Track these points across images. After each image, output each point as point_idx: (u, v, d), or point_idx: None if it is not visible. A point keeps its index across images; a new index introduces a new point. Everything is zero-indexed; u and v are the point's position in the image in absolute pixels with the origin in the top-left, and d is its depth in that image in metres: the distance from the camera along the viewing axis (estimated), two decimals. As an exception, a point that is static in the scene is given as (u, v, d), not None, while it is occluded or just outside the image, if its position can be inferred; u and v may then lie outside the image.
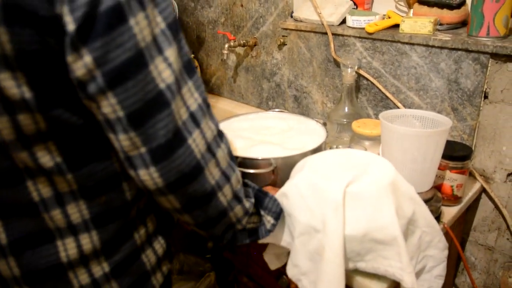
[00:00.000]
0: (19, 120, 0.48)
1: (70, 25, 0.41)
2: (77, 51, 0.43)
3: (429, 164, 0.81)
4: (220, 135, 0.55)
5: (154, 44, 0.46)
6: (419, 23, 0.98)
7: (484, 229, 1.03)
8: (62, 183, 0.53)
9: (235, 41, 1.40)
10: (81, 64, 0.43)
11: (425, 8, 1.03)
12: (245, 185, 0.66)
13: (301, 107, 1.34)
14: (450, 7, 0.99)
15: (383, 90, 1.09)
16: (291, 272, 0.72)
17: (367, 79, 1.12)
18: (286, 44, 1.30)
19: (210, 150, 0.52)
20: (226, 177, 0.55)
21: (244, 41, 1.40)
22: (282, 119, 1.07)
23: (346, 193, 0.65)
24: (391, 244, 0.64)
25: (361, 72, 1.11)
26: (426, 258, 0.72)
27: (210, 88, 1.69)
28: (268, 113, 1.13)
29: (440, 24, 1.01)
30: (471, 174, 0.98)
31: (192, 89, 0.51)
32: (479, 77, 0.92)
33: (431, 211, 0.74)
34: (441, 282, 0.75)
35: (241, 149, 0.90)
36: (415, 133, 0.79)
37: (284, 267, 0.76)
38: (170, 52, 0.47)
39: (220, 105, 1.60)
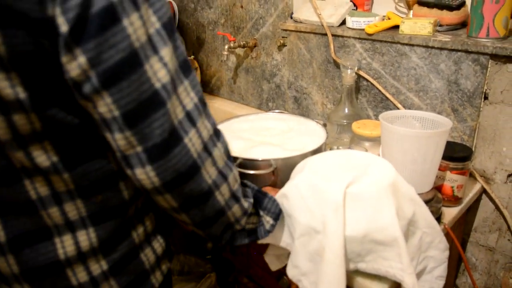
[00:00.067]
0: (14, 120, 0.48)
1: (63, 27, 0.42)
2: (71, 52, 0.43)
3: (429, 165, 0.81)
4: (217, 134, 0.55)
5: (149, 44, 0.46)
6: (419, 24, 0.98)
7: (485, 230, 1.03)
8: (58, 182, 0.53)
9: (235, 42, 1.40)
10: (76, 64, 0.43)
11: (424, 9, 1.03)
12: (244, 185, 0.66)
13: (301, 108, 1.34)
14: (450, 8, 0.99)
15: (383, 91, 1.09)
16: (291, 272, 0.72)
17: (367, 80, 1.12)
18: (286, 45, 1.30)
19: (206, 149, 0.52)
20: (223, 176, 0.55)
21: (244, 42, 1.40)
22: (282, 120, 1.07)
23: (346, 194, 0.65)
24: (392, 245, 0.64)
25: (361, 73, 1.12)
26: (427, 259, 0.72)
27: (210, 89, 1.69)
28: (268, 114, 1.13)
29: (440, 25, 1.01)
30: (471, 175, 0.98)
31: (188, 89, 0.51)
32: (479, 78, 0.92)
33: (432, 212, 0.74)
34: (442, 283, 0.74)
35: (241, 150, 0.90)
36: (415, 134, 0.79)
37: (284, 267, 0.76)
38: (166, 52, 0.47)
39: (220, 106, 1.60)
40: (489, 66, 0.90)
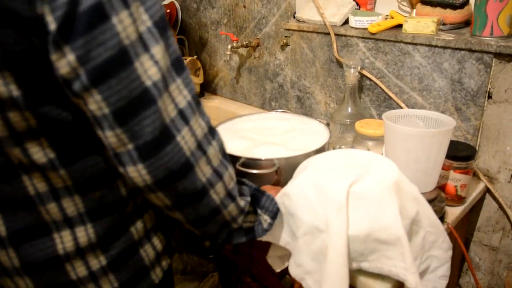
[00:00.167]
0: (9, 117, 0.49)
1: (52, 25, 0.42)
2: (60, 50, 0.43)
3: (432, 164, 0.81)
4: (211, 132, 0.55)
5: (140, 42, 0.46)
6: (422, 23, 0.98)
7: (488, 229, 1.03)
8: (56, 178, 0.54)
9: (237, 42, 1.40)
10: (65, 62, 0.44)
11: (428, 8, 1.02)
12: (242, 183, 0.66)
13: (304, 108, 1.34)
14: (453, 7, 0.99)
15: (386, 90, 1.09)
16: (294, 271, 0.72)
17: (370, 80, 1.11)
18: (288, 45, 1.30)
19: (200, 147, 0.52)
20: (218, 175, 0.55)
21: (246, 42, 1.41)
22: (285, 119, 1.07)
23: (349, 193, 0.65)
24: (395, 244, 0.64)
25: (364, 72, 1.11)
26: (430, 258, 0.72)
27: (213, 88, 1.70)
28: (271, 113, 1.13)
29: (443, 24, 1.01)
30: (475, 174, 0.98)
31: (181, 87, 0.51)
32: (482, 77, 0.92)
33: (435, 211, 0.74)
34: (445, 282, 0.74)
35: (244, 150, 0.90)
36: (418, 133, 0.79)
37: (287, 267, 0.76)
38: (157, 50, 0.47)
39: (223, 106, 1.60)
40: (493, 64, 0.90)
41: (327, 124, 1.02)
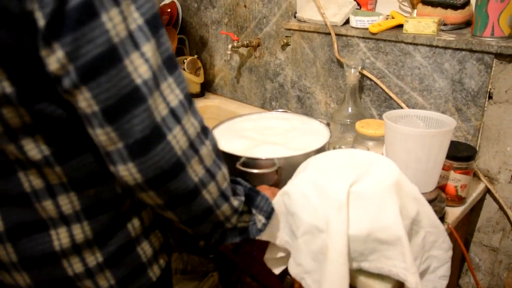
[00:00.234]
0: (3, 113, 0.49)
1: (41, 21, 0.42)
2: (49, 46, 0.43)
3: (433, 165, 0.81)
4: (204, 132, 0.54)
5: (130, 40, 0.46)
6: (423, 23, 0.98)
7: (489, 230, 1.03)
8: (51, 175, 0.54)
9: (238, 42, 1.40)
10: (54, 59, 0.44)
11: (429, 8, 1.02)
12: (236, 183, 0.66)
13: (304, 108, 1.34)
14: (454, 7, 0.99)
15: (386, 90, 1.09)
16: (294, 271, 0.72)
17: (371, 80, 1.11)
18: (289, 45, 1.30)
19: (193, 147, 0.51)
20: (211, 175, 0.54)
21: (247, 42, 1.41)
22: (285, 119, 1.07)
23: (349, 193, 0.65)
24: (395, 244, 0.64)
25: (365, 72, 1.11)
26: (430, 259, 0.72)
27: (213, 88, 1.70)
28: (272, 113, 1.13)
29: (444, 24, 1.01)
30: (475, 175, 0.98)
31: (173, 85, 0.50)
32: (483, 78, 0.92)
33: (435, 211, 0.74)
34: (445, 282, 0.74)
35: (245, 149, 0.90)
36: (419, 133, 0.79)
37: (287, 267, 0.76)
38: (148, 48, 0.47)
39: (223, 105, 1.60)
40: (494, 65, 0.90)
41: (328, 124, 1.02)
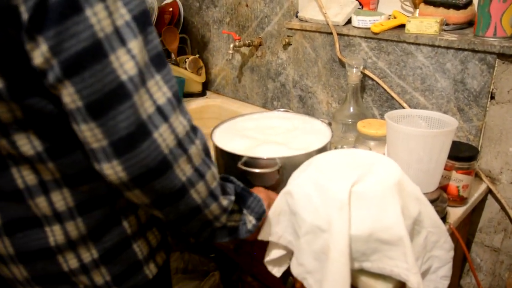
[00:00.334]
0: None
1: (24, 15, 0.43)
2: (34, 40, 0.44)
3: (434, 165, 0.81)
4: (194, 131, 0.54)
5: (116, 36, 0.45)
6: (425, 23, 0.98)
7: (490, 230, 1.03)
8: (44, 171, 0.54)
9: (240, 41, 1.40)
10: (39, 52, 0.44)
11: (431, 8, 1.02)
12: (228, 181, 0.66)
13: (306, 107, 1.33)
14: (457, 7, 0.99)
15: (388, 90, 1.09)
16: (296, 270, 0.72)
17: (373, 79, 1.11)
18: (291, 44, 1.30)
19: (181, 145, 0.51)
20: (200, 174, 0.54)
21: (249, 41, 1.40)
22: (287, 119, 1.07)
23: (351, 192, 0.65)
24: (397, 244, 0.64)
25: (367, 72, 1.11)
26: (432, 259, 0.72)
27: (215, 88, 1.70)
28: (273, 113, 1.13)
29: (447, 24, 1.01)
30: (477, 175, 0.97)
31: (160, 83, 0.50)
32: (485, 78, 0.92)
33: (437, 211, 0.74)
34: (446, 283, 0.74)
35: (246, 149, 0.90)
36: (421, 133, 0.79)
37: (289, 266, 0.76)
38: (134, 44, 0.47)
39: (225, 105, 1.60)
40: (496, 65, 0.89)
41: (329, 124, 1.02)
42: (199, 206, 0.56)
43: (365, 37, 1.09)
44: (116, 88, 0.46)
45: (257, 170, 0.83)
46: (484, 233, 1.04)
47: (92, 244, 0.59)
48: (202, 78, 1.63)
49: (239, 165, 0.83)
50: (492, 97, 0.92)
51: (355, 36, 1.11)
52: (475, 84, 0.93)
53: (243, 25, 1.46)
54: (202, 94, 1.66)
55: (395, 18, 1.08)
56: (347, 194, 0.65)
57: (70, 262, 0.58)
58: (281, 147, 0.90)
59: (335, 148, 0.98)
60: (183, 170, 0.52)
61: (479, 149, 0.97)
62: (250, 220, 0.67)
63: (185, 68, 1.59)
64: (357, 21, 1.09)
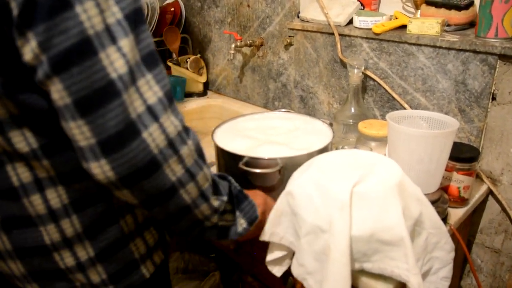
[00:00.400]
0: None
1: (15, 11, 0.43)
2: (24, 36, 0.44)
3: (435, 165, 0.80)
4: (186, 131, 0.53)
5: (107, 33, 0.45)
6: (427, 24, 0.98)
7: (491, 231, 1.03)
8: (39, 168, 0.54)
9: (241, 41, 1.40)
10: (29, 48, 0.44)
11: (432, 9, 1.02)
12: (226, 180, 0.65)
13: (307, 108, 1.33)
14: (458, 8, 0.99)
15: (389, 91, 1.09)
16: (296, 271, 0.72)
17: (374, 80, 1.11)
18: (292, 44, 1.30)
19: (172, 146, 0.50)
20: (191, 175, 0.53)
21: (250, 41, 1.41)
22: (288, 119, 1.07)
23: (352, 193, 0.65)
24: (398, 245, 0.64)
25: (368, 72, 1.11)
26: (433, 260, 0.72)
27: (216, 87, 1.70)
28: (274, 113, 1.12)
29: (448, 25, 1.01)
30: (478, 176, 0.97)
31: (152, 82, 0.49)
32: (487, 79, 0.91)
33: (438, 212, 0.74)
34: (447, 284, 0.74)
35: (247, 149, 0.90)
36: (422, 134, 0.79)
37: (289, 268, 0.76)
38: (125, 43, 0.46)
39: (226, 105, 1.60)
40: (498, 66, 0.89)
41: (330, 124, 1.02)
42: (189, 206, 0.55)
43: (366, 38, 1.09)
44: (105, 86, 0.45)
45: (258, 170, 0.83)
46: (485, 234, 1.04)
47: (88, 242, 0.59)
48: (203, 78, 1.63)
49: (240, 165, 0.83)
50: (494, 98, 0.92)
51: (356, 36, 1.11)
52: (477, 85, 0.93)
53: (244, 25, 1.46)
54: (203, 94, 1.66)
55: (396, 18, 1.08)
56: (348, 194, 0.65)
57: (66, 260, 0.59)
58: (282, 147, 0.90)
59: (336, 148, 0.98)
60: (174, 171, 0.51)
61: (480, 150, 0.97)
62: (242, 224, 0.66)
63: (187, 68, 1.59)
64: (358, 21, 1.09)
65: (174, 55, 1.63)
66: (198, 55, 1.64)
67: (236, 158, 0.84)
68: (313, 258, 0.68)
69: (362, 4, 1.17)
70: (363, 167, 0.71)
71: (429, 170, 0.81)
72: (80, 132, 0.46)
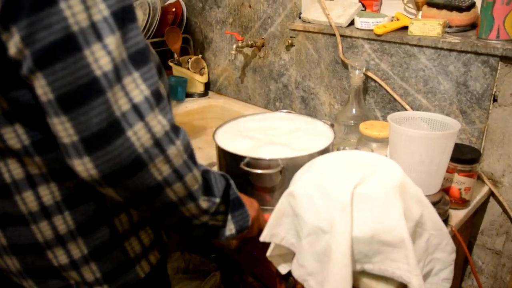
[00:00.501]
0: None
1: None
2: (8, 30, 0.44)
3: (437, 167, 0.81)
4: (175, 131, 0.52)
5: (93, 30, 0.45)
6: (428, 25, 0.98)
7: (492, 233, 1.03)
8: (31, 165, 0.54)
9: (243, 42, 1.40)
10: (13, 43, 0.44)
11: (434, 11, 1.02)
12: (226, 180, 0.65)
13: (308, 108, 1.34)
14: (460, 9, 0.99)
15: (391, 92, 1.09)
16: (297, 272, 0.72)
17: (375, 81, 1.11)
18: (294, 45, 1.30)
19: (158, 145, 0.50)
20: (179, 176, 0.53)
21: (252, 42, 1.41)
22: (289, 120, 1.07)
23: (353, 194, 0.65)
24: (399, 246, 0.64)
25: (369, 74, 1.11)
26: (434, 261, 0.72)
27: (217, 88, 1.70)
28: (276, 113, 1.13)
29: (449, 27, 1.01)
30: (479, 178, 0.97)
31: (138, 81, 0.49)
32: (488, 80, 0.91)
33: (439, 214, 0.73)
34: (448, 285, 0.74)
35: (249, 150, 0.90)
36: (423, 135, 0.79)
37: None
38: (111, 40, 0.46)
39: (227, 105, 1.60)
40: (499, 68, 0.89)
41: (332, 125, 1.02)
42: (175, 203, 0.55)
43: (368, 39, 1.09)
44: (89, 83, 0.45)
45: (259, 171, 0.83)
46: (486, 236, 1.04)
47: (81, 240, 0.59)
48: (204, 78, 1.63)
49: (241, 165, 0.83)
50: (495, 100, 0.92)
51: (358, 37, 1.11)
52: (478, 86, 0.93)
53: (246, 25, 1.46)
54: (204, 94, 1.66)
55: (398, 20, 1.08)
56: (349, 195, 0.65)
57: (60, 257, 0.59)
58: (284, 148, 0.90)
59: (338, 149, 0.98)
60: (160, 170, 0.50)
61: (482, 151, 0.97)
62: (231, 229, 0.67)
63: (188, 68, 1.60)
64: (360, 22, 1.10)
65: (175, 55, 1.63)
66: (200, 56, 1.64)
67: (237, 158, 0.84)
68: (314, 259, 0.68)
69: (363, 5, 1.17)
70: (364, 168, 0.71)
71: (430, 172, 0.81)
72: (63, 129, 0.46)
